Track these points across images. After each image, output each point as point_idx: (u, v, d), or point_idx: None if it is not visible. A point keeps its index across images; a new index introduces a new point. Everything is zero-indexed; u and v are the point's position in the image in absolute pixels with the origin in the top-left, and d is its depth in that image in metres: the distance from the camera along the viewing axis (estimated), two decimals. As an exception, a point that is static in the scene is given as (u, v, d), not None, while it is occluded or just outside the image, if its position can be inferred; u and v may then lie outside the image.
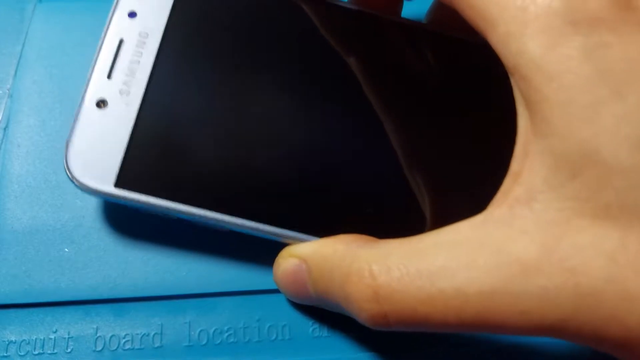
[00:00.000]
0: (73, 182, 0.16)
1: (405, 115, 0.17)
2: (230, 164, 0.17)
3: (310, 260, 0.15)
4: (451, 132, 0.18)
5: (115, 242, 0.18)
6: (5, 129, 0.20)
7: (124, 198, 0.16)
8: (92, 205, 0.19)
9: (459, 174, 0.17)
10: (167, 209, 0.16)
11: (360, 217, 0.17)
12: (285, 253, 0.16)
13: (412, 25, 0.18)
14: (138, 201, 0.16)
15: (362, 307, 0.13)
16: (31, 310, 0.18)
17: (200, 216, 0.16)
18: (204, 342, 0.18)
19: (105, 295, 0.18)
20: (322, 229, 0.16)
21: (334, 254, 0.14)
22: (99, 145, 0.16)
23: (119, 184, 0.16)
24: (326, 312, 0.17)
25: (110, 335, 0.18)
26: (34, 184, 0.19)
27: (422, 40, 0.18)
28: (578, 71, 0.11)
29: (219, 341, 0.18)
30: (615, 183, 0.11)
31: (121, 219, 0.19)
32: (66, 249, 0.18)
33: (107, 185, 0.16)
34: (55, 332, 0.18)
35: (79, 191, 0.17)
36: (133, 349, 0.17)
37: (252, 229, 0.16)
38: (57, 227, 0.18)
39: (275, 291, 0.18)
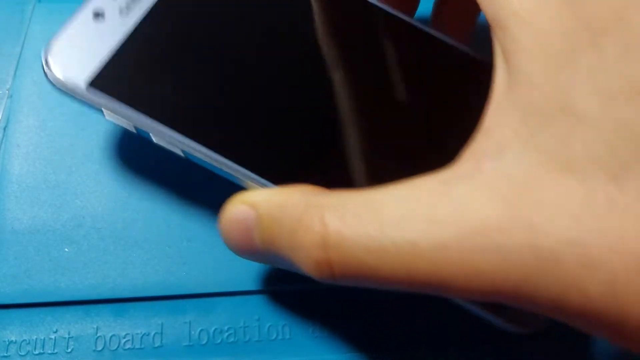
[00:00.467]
0: (47, 78, 0.16)
1: (374, 70, 0.17)
2: (206, 93, 0.17)
3: (261, 207, 0.14)
4: (425, 91, 0.17)
5: (115, 242, 0.18)
6: (5, 129, 0.20)
7: (94, 100, 0.16)
8: (92, 205, 0.19)
9: (430, 131, 0.17)
10: (132, 118, 0.16)
11: (322, 168, 0.16)
12: (235, 199, 0.15)
13: (399, 18, 0.18)
14: (106, 106, 0.16)
15: (309, 255, 0.12)
16: (31, 310, 0.18)
17: (157, 130, 0.16)
18: (204, 342, 0.18)
19: (105, 295, 0.18)
20: (281, 176, 0.15)
21: (287, 201, 0.14)
22: (84, 48, 0.16)
23: (93, 84, 0.16)
24: (326, 312, 0.17)
25: (110, 335, 0.18)
26: (34, 184, 0.19)
27: (407, 31, 0.18)
28: (555, 18, 0.11)
29: (219, 341, 0.18)
30: (585, 135, 0.10)
31: (121, 219, 0.19)
32: (66, 249, 0.18)
33: (80, 83, 0.16)
34: (55, 332, 0.18)
35: (79, 191, 0.17)
36: (133, 348, 0.17)
37: (211, 158, 0.16)
38: (57, 227, 0.19)
39: (276, 291, 0.18)
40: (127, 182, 0.19)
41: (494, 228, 0.10)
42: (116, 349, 0.17)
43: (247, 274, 0.18)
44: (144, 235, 0.19)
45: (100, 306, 0.18)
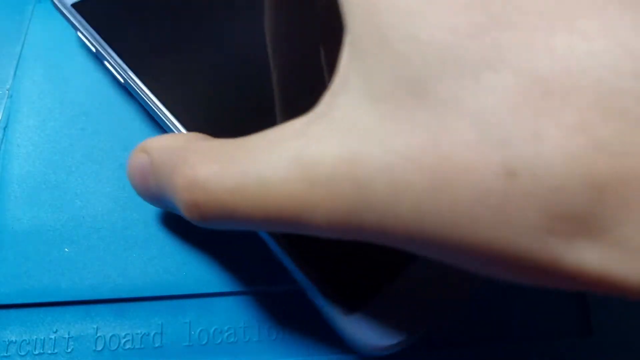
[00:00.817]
0: None
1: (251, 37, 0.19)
2: (162, 39, 0.19)
3: (154, 152, 0.15)
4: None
5: (115, 242, 0.18)
6: (5, 129, 0.20)
7: (72, 19, 0.19)
8: (92, 205, 0.19)
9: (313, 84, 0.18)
10: (94, 42, 0.18)
11: (235, 123, 0.17)
12: (137, 147, 0.16)
13: None
14: (78, 26, 0.19)
15: (181, 197, 0.13)
16: (31, 310, 0.18)
17: (110, 56, 0.18)
18: (204, 342, 0.18)
19: (105, 295, 0.18)
20: (194, 125, 0.17)
21: (172, 146, 0.14)
22: None
23: (75, 6, 0.19)
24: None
25: (110, 335, 0.18)
26: (34, 184, 0.19)
27: None
28: None
29: (219, 341, 0.18)
30: (393, 62, 0.10)
31: (121, 219, 0.19)
32: (66, 249, 0.18)
33: (68, 3, 0.19)
34: (55, 332, 0.18)
35: (79, 191, 0.17)
36: (133, 348, 0.17)
37: (142, 92, 0.18)
38: (57, 227, 0.19)
39: (276, 291, 0.18)
40: (127, 182, 0.19)
41: (328, 163, 0.11)
42: (116, 349, 0.17)
43: (247, 274, 0.18)
44: (144, 235, 0.19)
45: (100, 306, 0.18)
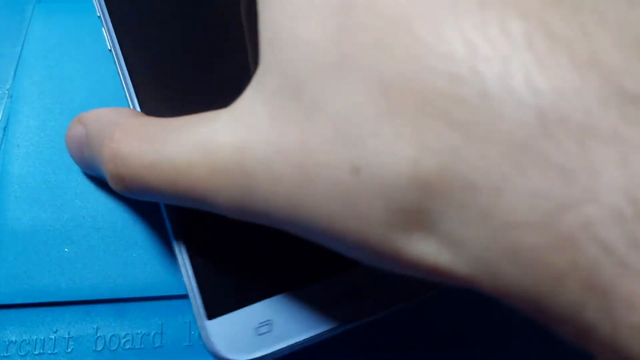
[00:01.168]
0: None
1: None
2: (152, 11, 0.19)
3: (89, 124, 0.16)
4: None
5: (115, 242, 0.18)
6: (5, 129, 0.20)
7: None
8: (92, 205, 0.19)
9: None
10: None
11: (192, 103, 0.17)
12: (75, 117, 0.17)
13: None
14: None
15: (106, 168, 0.14)
16: (31, 310, 0.18)
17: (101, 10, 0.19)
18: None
19: (105, 295, 0.18)
20: (148, 103, 0.17)
21: (105, 118, 0.15)
22: None
23: None
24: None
25: (110, 335, 0.18)
26: (34, 184, 0.19)
27: None
28: None
29: (219, 341, 0.18)
30: (278, 58, 0.11)
31: (121, 219, 0.19)
32: (66, 249, 0.18)
33: None
34: (55, 332, 0.18)
35: (79, 191, 0.17)
36: (133, 348, 0.17)
37: (117, 58, 0.18)
38: (57, 227, 0.19)
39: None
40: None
41: (225, 152, 0.12)
42: (116, 349, 0.17)
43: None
44: (144, 235, 0.19)
45: (100, 306, 0.18)
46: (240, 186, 0.12)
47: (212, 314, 0.16)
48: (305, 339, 0.16)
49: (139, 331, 0.18)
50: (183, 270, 0.16)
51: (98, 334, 0.18)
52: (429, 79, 0.09)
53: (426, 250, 0.10)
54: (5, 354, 0.17)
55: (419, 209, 0.10)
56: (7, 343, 0.17)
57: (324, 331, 0.16)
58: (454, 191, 0.09)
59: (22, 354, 0.17)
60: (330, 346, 0.18)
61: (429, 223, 0.10)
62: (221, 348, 0.15)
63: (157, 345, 0.18)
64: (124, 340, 0.18)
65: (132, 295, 0.18)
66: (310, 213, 0.11)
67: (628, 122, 0.08)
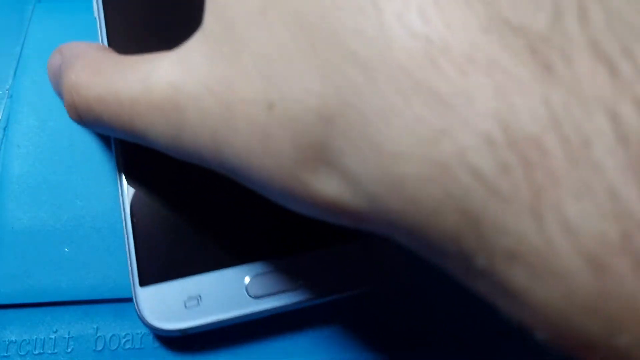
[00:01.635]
0: None
1: None
2: None
3: (65, 54, 0.16)
4: None
5: (115, 242, 0.18)
6: (5, 129, 0.20)
7: None
8: (92, 205, 0.19)
9: None
10: None
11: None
12: (56, 48, 0.17)
13: None
14: None
15: (64, 97, 0.15)
16: (31, 310, 0.18)
17: None
18: (204, 342, 0.18)
19: (105, 295, 0.18)
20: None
21: (77, 51, 0.16)
22: None
23: None
24: (326, 312, 0.17)
25: (110, 335, 0.18)
26: (34, 184, 0.19)
27: None
28: None
29: (219, 341, 0.18)
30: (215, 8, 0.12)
31: (121, 219, 0.19)
32: (66, 249, 0.18)
33: None
34: (55, 332, 0.18)
35: (79, 191, 0.17)
36: (133, 348, 0.17)
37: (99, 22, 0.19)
38: (57, 227, 0.19)
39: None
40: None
41: (162, 88, 0.12)
42: (116, 349, 0.17)
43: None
44: (144, 235, 0.19)
45: (100, 306, 0.18)
46: (173, 122, 0.12)
47: (144, 281, 0.17)
48: (232, 318, 0.16)
49: (139, 331, 0.18)
50: (125, 236, 0.17)
51: (98, 334, 0.18)
52: (341, 17, 0.10)
53: (329, 186, 0.10)
54: (5, 354, 0.17)
55: (322, 144, 0.10)
56: (7, 343, 0.17)
57: (251, 312, 0.16)
58: (352, 125, 0.10)
59: (22, 354, 0.17)
60: (331, 346, 0.18)
61: (332, 158, 0.10)
62: (148, 315, 0.16)
63: (157, 345, 0.18)
64: (124, 340, 0.18)
65: (132, 295, 0.18)
66: (232, 150, 0.11)
67: (508, 51, 0.08)
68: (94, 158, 0.20)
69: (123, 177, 0.18)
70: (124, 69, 0.14)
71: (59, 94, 0.17)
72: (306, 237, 0.18)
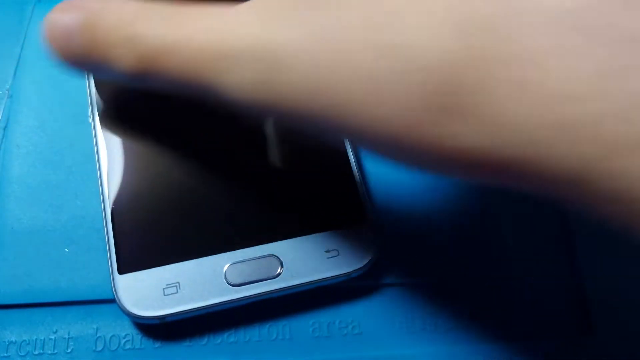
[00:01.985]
0: None
1: None
2: None
3: (89, 5, 0.15)
4: None
5: (115, 242, 0.18)
6: (5, 129, 0.20)
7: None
8: (92, 205, 0.19)
9: None
10: None
11: None
12: (58, 6, 0.15)
13: None
14: None
15: (117, 54, 0.14)
16: (31, 310, 0.18)
17: None
18: (204, 342, 0.18)
19: (105, 295, 0.18)
20: None
21: (110, 4, 0.15)
22: None
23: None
24: (325, 312, 0.17)
25: (110, 335, 0.18)
26: (34, 184, 0.19)
27: None
28: None
29: (219, 341, 0.18)
30: None
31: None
32: (66, 249, 0.18)
33: None
34: (55, 332, 0.18)
35: (79, 191, 0.17)
36: (133, 348, 0.17)
37: None
38: (57, 227, 0.18)
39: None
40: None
41: (243, 41, 0.12)
42: (116, 349, 0.17)
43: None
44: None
45: (100, 306, 0.18)
46: (262, 71, 0.11)
47: (123, 269, 0.17)
48: (210, 305, 0.17)
49: (139, 331, 0.18)
50: (104, 224, 0.17)
51: (98, 334, 0.18)
52: None
53: (462, 134, 0.10)
54: (5, 354, 0.17)
55: (457, 91, 0.09)
56: (7, 343, 0.17)
57: (229, 300, 0.17)
58: (495, 66, 0.09)
59: (22, 354, 0.17)
60: (331, 346, 0.18)
61: (469, 105, 0.09)
62: (127, 302, 0.17)
63: (157, 345, 0.18)
64: (124, 340, 0.18)
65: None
66: (335, 101, 0.11)
67: None
68: (94, 158, 0.19)
69: (102, 165, 0.18)
70: (194, 16, 0.13)
71: (74, 56, 0.15)
72: (285, 224, 0.18)
